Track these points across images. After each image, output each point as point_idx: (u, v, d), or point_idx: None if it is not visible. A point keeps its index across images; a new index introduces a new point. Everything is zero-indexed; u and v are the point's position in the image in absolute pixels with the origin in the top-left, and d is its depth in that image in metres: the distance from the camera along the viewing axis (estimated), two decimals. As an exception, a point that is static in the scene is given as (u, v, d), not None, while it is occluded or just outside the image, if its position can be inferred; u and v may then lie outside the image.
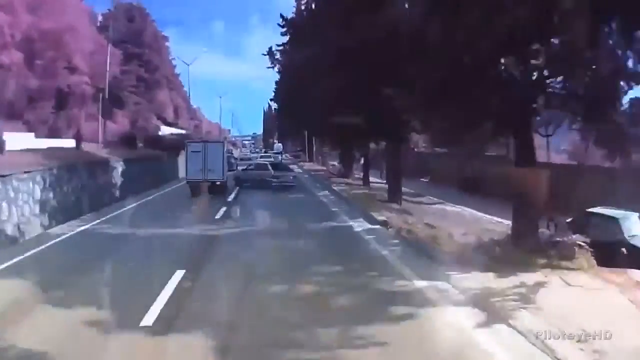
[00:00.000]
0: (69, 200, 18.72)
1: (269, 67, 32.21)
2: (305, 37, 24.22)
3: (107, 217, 17.80)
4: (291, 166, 51.30)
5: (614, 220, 11.89)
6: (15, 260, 10.75)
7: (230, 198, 22.54)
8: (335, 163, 48.88)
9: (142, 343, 6.16)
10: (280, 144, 79.30)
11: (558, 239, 11.27)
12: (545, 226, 12.47)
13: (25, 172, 15.55)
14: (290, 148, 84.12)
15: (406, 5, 14.16)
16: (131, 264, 10.29)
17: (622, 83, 10.77)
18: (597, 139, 13.32)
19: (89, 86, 55.67)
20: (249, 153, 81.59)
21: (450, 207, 21.46)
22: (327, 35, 18.92)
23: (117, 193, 24.65)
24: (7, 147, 18.45)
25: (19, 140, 27.09)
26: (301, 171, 43.23)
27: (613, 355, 5.65)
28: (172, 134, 45.49)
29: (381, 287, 8.58)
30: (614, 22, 10.03)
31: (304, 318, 6.99)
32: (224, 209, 18.61)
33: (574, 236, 10.89)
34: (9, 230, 13.92)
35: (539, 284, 8.56)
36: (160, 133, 46.83)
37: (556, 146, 35.22)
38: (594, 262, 9.72)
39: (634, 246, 10.97)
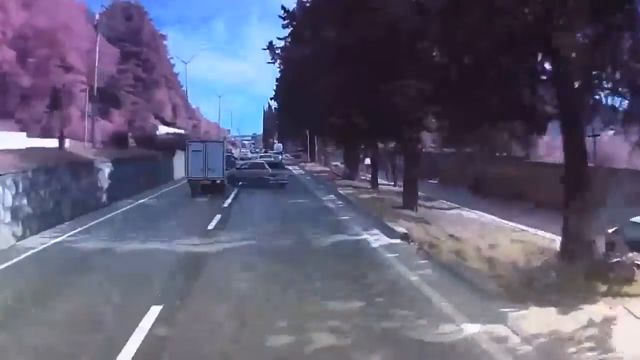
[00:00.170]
0: (47, 206, 16.47)
1: (269, 62, 30.04)
2: (306, 33, 23.55)
3: (88, 225, 15.58)
4: (292, 167, 49.20)
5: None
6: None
7: (226, 203, 20.27)
8: (338, 163, 46.63)
9: None
10: (280, 144, 77.70)
11: (614, 256, 9.29)
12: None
13: (-7, 175, 13.39)
14: (290, 148, 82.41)
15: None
16: (97, 296, 8.03)
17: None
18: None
19: (85, 85, 54.43)
20: (248, 153, 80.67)
21: (468, 213, 19.31)
22: (326, 34, 18.42)
23: (104, 197, 22.48)
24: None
25: (9, 139, 25.01)
26: (303, 172, 40.96)
27: None
28: (167, 134, 43.31)
29: (420, 336, 6.23)
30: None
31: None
32: (218, 217, 16.32)
33: (630, 254, 8.90)
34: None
35: (608, 320, 6.68)
36: (157, 133, 44.86)
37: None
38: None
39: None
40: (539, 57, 10.32)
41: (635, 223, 10.75)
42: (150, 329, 6.36)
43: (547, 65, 10.33)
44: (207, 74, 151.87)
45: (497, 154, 29.84)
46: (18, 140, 27.82)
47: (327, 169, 41.96)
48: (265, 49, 29.25)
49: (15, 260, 10.76)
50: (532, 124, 11.56)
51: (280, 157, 63.64)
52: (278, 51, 29.73)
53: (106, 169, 23.67)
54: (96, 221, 16.48)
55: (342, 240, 12.71)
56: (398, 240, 12.41)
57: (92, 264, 10.50)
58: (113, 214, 18.29)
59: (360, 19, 15.13)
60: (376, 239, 12.71)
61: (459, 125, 12.05)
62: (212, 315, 7.00)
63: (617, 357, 5.70)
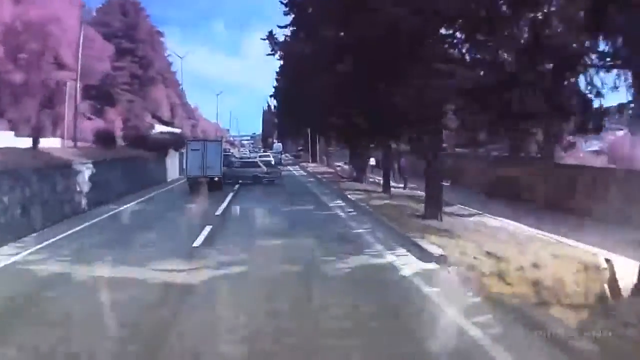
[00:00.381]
0: (10, 215, 13.80)
1: (268, 54, 27.13)
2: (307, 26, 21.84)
3: (57, 238, 12.95)
4: (292, 167, 46.49)
5: None
6: None
7: (220, 209, 17.43)
8: (341, 164, 43.83)
9: None
10: (280, 144, 76.09)
11: None
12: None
13: None
14: (290, 148, 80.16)
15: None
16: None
17: None
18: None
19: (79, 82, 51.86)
20: (248, 153, 79.20)
21: (492, 221, 16.51)
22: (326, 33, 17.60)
23: (84, 202, 19.78)
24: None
25: (-5, 139, 22.54)
26: (304, 173, 38.01)
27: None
28: (162, 132, 40.54)
29: None
30: None
31: None
32: (208, 228, 13.44)
33: None
34: None
35: None
36: (153, 131, 42.19)
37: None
38: None
39: None
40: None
41: None
42: None
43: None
44: (206, 74, 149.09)
45: (519, 155, 27.81)
46: (4, 139, 25.84)
47: (331, 170, 38.96)
48: (264, 39, 26.41)
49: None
50: (585, 121, 10.39)
51: (280, 156, 61.11)
52: (278, 41, 26.88)
53: (86, 171, 20.97)
54: (67, 232, 13.81)
55: (362, 264, 9.79)
56: (432, 265, 9.60)
57: (34, 302, 7.63)
58: (89, 223, 15.54)
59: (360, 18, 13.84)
60: (405, 262, 9.86)
61: (494, 123, 11.21)
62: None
63: None
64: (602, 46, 9.61)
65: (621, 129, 28.52)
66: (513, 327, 6.36)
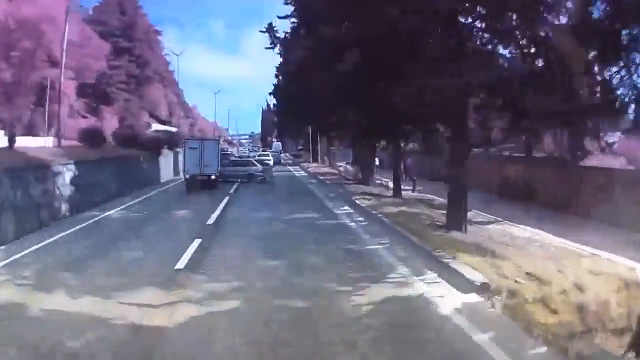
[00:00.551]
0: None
1: (268, 48, 24.78)
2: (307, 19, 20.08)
3: (23, 253, 10.97)
4: (292, 167, 44.29)
5: None
6: None
7: (213, 217, 15.17)
8: (344, 164, 41.62)
9: None
10: (279, 143, 74.42)
11: None
12: None
13: None
14: (290, 147, 78.17)
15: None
16: None
17: None
18: None
19: (73, 80, 49.98)
20: (247, 152, 77.55)
21: (515, 229, 14.36)
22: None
23: (64, 208, 17.76)
24: None
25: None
26: (306, 174, 35.70)
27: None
28: (156, 131, 38.41)
29: None
30: None
31: None
32: (196, 243, 11.23)
33: None
34: None
35: None
36: (145, 130, 40.07)
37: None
38: None
39: None
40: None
41: None
42: None
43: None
44: (205, 73, 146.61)
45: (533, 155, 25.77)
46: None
47: (333, 170, 36.59)
48: (263, 32, 24.10)
49: None
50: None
51: (279, 156, 58.99)
52: (278, 34, 24.60)
53: (67, 173, 18.88)
54: (37, 246, 11.80)
55: (387, 297, 7.50)
56: (474, 297, 7.43)
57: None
58: (65, 233, 13.49)
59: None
60: (440, 293, 7.62)
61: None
62: None
63: None
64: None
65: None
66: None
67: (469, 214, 18.18)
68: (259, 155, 57.48)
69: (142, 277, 8.68)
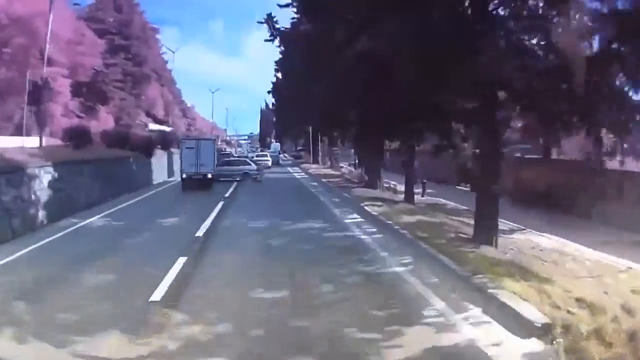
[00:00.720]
0: None
1: (267, 40, 22.74)
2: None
3: None
4: (292, 169, 42.18)
5: None
6: None
7: (202, 230, 12.85)
8: (346, 165, 39.55)
9: None
10: (277, 143, 72.72)
11: None
12: None
13: None
14: (289, 148, 76.27)
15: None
16: None
17: None
18: None
19: (66, 79, 48.11)
20: (245, 152, 76.00)
21: (543, 240, 12.64)
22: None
23: (41, 215, 15.81)
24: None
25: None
26: (307, 176, 33.44)
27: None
28: (149, 130, 36.36)
29: None
30: None
31: None
32: (180, 262, 9.17)
33: None
34: None
35: None
36: (134, 130, 38.00)
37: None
38: None
39: None
40: None
41: None
42: None
43: None
44: (204, 74, 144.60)
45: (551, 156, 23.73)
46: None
47: (336, 172, 34.20)
48: (262, 23, 22.03)
49: None
50: None
51: (277, 156, 57.06)
52: (278, 24, 22.56)
53: (45, 176, 16.79)
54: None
55: (427, 348, 5.31)
56: (535, 344, 5.47)
57: None
58: (33, 247, 11.43)
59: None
60: (493, 340, 5.52)
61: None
62: None
63: None
64: None
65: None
66: None
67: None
68: (257, 156, 55.50)
69: (107, 313, 6.62)
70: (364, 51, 14.60)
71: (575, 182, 18.98)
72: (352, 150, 47.39)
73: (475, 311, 6.67)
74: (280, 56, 32.79)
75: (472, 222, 15.75)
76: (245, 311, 6.71)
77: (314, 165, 43.26)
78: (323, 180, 27.75)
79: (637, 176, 17.64)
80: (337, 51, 17.06)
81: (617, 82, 9.93)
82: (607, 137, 18.31)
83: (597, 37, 9.64)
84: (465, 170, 28.12)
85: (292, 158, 66.77)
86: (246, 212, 15.89)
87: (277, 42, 24.62)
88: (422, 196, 21.66)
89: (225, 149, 67.39)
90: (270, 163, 47.91)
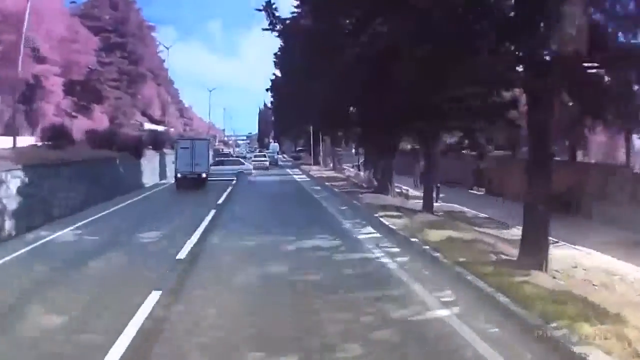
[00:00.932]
0: None
1: (265, 29, 20.33)
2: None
3: None
4: (292, 170, 39.79)
5: None
6: None
7: (188, 246, 10.39)
8: (349, 167, 37.12)
9: None
10: (276, 144, 70.57)
11: None
12: None
13: None
14: (288, 148, 74.00)
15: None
16: None
17: None
18: None
19: (59, 77, 46.13)
20: (244, 152, 74.10)
21: (580, 255, 10.87)
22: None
23: (8, 225, 13.76)
24: None
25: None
26: (308, 179, 30.83)
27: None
28: (140, 130, 34.02)
29: None
30: None
31: None
32: (149, 303, 6.71)
33: None
34: None
35: None
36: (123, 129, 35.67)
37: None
38: None
39: None
40: None
41: None
42: None
43: None
44: (202, 74, 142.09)
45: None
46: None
47: (340, 175, 31.33)
48: (260, 10, 19.61)
49: None
50: None
51: (275, 157, 54.81)
52: (278, 13, 20.15)
53: (13, 181, 14.44)
54: None
55: None
56: None
57: None
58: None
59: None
60: None
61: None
62: None
63: None
64: None
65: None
66: None
67: (511, 229, 14.17)
68: (255, 156, 53.16)
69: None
70: (369, 47, 13.19)
71: (603, 186, 17.06)
72: (354, 151, 45.03)
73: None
74: (279, 50, 30.49)
75: (503, 234, 13.52)
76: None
77: (315, 167, 40.65)
78: (326, 184, 25.08)
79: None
80: (339, 47, 16.12)
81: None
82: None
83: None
84: (481, 172, 25.77)
85: (291, 159, 64.34)
86: (240, 225, 13.34)
87: (276, 33, 22.44)
88: (436, 202, 19.28)
89: (222, 149, 65.10)
90: (267, 164, 45.79)
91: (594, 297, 7.09)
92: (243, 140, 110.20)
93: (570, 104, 11.39)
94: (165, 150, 31.19)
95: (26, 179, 14.99)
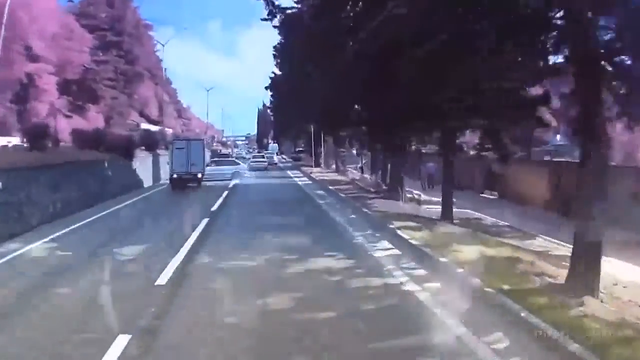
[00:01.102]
0: None
1: (264, 19, 18.75)
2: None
3: None
4: (292, 172, 38.09)
5: None
6: None
7: (169, 272, 8.36)
8: (352, 168, 35.32)
9: None
10: (275, 144, 69.15)
11: None
12: None
13: None
14: (288, 149, 72.30)
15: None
16: None
17: None
18: None
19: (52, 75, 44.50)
20: (243, 153, 72.83)
21: (621, 268, 9.20)
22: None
23: None
24: None
25: None
26: (310, 182, 28.90)
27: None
28: (130, 130, 32.32)
29: None
30: None
31: None
32: (120, 342, 5.01)
33: None
34: None
35: None
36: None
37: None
38: None
39: None
40: None
41: None
42: None
43: None
44: (201, 74, 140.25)
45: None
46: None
47: (344, 177, 29.11)
48: None
49: None
50: None
51: (274, 158, 53.20)
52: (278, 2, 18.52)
53: (-21, 186, 12.62)
54: None
55: None
56: None
57: None
58: None
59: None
60: None
61: None
62: None
63: None
64: None
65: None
66: None
67: (533, 239, 12.57)
68: (253, 157, 51.67)
69: None
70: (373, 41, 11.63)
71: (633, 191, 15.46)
72: (355, 151, 43.24)
73: None
74: (279, 44, 28.75)
75: (532, 245, 11.93)
76: None
77: (316, 169, 38.69)
78: (330, 187, 23.07)
79: None
80: (339, 45, 15.59)
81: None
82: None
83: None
84: (493, 175, 24.01)
85: (291, 159, 62.53)
86: (235, 238, 11.38)
87: (276, 29, 21.01)
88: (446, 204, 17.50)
89: (221, 150, 63.36)
90: (266, 164, 45.11)
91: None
92: (242, 140, 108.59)
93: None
94: (159, 151, 29.41)
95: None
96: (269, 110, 69.30)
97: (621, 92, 8.27)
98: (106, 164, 20.98)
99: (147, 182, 27.14)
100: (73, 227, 13.93)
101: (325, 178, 28.76)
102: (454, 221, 14.16)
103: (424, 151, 27.35)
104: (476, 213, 17.76)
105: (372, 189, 20.60)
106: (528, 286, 7.25)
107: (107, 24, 57.90)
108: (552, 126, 24.53)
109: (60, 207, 16.39)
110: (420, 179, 25.77)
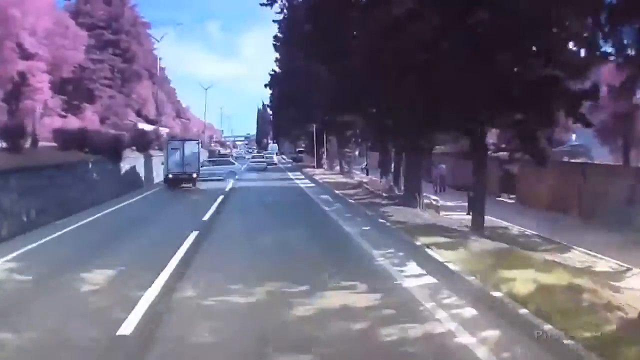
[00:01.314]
0: None
1: (263, 5, 16.81)
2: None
3: None
4: (293, 174, 36.18)
5: None
6: None
7: (136, 316, 6.08)
8: (358, 171, 33.28)
9: None
10: (275, 145, 67.70)
11: None
12: None
13: None
14: (288, 149, 70.52)
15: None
16: None
17: None
18: None
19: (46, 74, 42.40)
20: (242, 153, 71.48)
21: None
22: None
23: None
24: None
25: None
26: (313, 185, 26.80)
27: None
28: (118, 130, 30.40)
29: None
30: None
31: None
32: None
33: None
34: None
35: None
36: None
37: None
38: None
39: None
40: None
41: None
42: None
43: None
44: (201, 75, 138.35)
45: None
46: None
47: (351, 180, 26.71)
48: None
49: None
50: None
51: (273, 158, 51.59)
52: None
53: None
54: None
55: None
56: None
57: None
58: None
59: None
60: None
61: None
62: None
63: None
64: None
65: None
66: None
67: (569, 253, 10.71)
68: (253, 157, 50.22)
69: None
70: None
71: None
72: (357, 152, 41.17)
73: None
74: (280, 39, 26.77)
75: (572, 260, 10.19)
76: None
77: (318, 170, 36.47)
78: (336, 191, 20.63)
79: None
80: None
81: None
82: None
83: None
84: (511, 177, 22.02)
85: (291, 160, 60.61)
86: (228, 260, 9.17)
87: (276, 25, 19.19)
88: (468, 214, 15.51)
89: (219, 150, 61.41)
90: (265, 165, 45.30)
91: None
92: (242, 141, 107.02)
93: None
94: (152, 152, 27.43)
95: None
96: (268, 109, 67.49)
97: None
98: (90, 166, 18.86)
99: (137, 185, 25.18)
100: (42, 241, 11.89)
101: (330, 180, 26.57)
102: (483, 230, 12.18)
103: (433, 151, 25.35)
104: (501, 221, 15.86)
105: (384, 194, 18.43)
106: (609, 331, 5.24)
107: (104, 22, 56.35)
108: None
109: (35, 216, 14.35)
110: (432, 182, 23.79)
